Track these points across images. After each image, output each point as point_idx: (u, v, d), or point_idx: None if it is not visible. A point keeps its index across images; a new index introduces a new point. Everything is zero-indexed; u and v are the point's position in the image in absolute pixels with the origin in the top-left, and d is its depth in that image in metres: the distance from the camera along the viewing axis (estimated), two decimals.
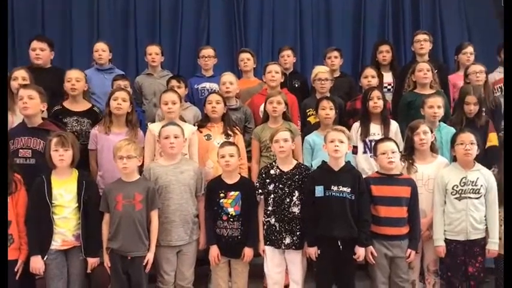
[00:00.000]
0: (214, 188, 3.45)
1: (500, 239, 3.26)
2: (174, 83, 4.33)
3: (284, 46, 4.96)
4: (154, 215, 3.27)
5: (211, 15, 5.83)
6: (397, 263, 3.29)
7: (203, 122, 3.93)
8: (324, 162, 3.37)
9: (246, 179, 3.61)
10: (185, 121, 3.97)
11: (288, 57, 4.84)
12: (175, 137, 3.40)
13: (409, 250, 3.28)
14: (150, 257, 3.23)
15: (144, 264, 3.21)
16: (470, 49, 4.66)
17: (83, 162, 3.55)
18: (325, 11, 5.99)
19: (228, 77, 4.24)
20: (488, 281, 3.47)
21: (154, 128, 3.70)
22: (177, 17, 5.82)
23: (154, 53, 4.79)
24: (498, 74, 4.64)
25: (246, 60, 4.70)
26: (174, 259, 3.39)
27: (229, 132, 3.83)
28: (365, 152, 3.90)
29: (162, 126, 3.50)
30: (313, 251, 3.25)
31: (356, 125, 4.00)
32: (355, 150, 3.94)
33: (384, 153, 3.32)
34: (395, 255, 3.28)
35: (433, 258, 3.45)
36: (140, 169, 3.41)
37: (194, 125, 3.91)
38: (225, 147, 3.44)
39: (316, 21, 5.97)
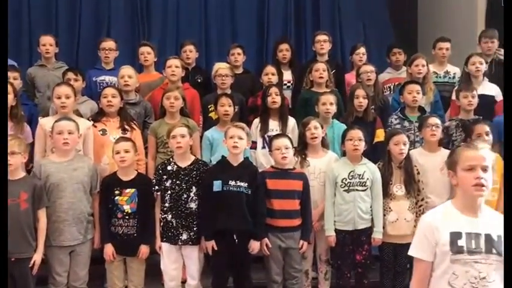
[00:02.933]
0: (109, 185, 3.38)
1: (383, 227, 3.50)
2: (70, 75, 4.15)
3: (186, 41, 4.94)
4: (42, 214, 3.13)
5: (112, 6, 5.66)
6: (291, 254, 3.42)
7: (98, 116, 3.81)
8: (223, 157, 3.42)
9: (143, 175, 3.56)
10: (82, 116, 3.83)
11: (191, 52, 4.81)
12: (69, 133, 3.28)
13: (301, 241, 3.42)
14: (37, 258, 3.09)
15: (30, 266, 3.05)
16: (362, 50, 4.91)
17: None
18: (229, 8, 6.04)
19: (126, 70, 4.14)
20: (374, 268, 3.70)
21: (45, 122, 3.54)
22: (75, 6, 5.57)
23: (48, 43, 4.55)
24: (387, 74, 4.96)
25: (147, 54, 4.62)
26: (66, 259, 3.27)
27: (126, 127, 3.74)
28: (264, 147, 3.98)
29: (55, 121, 3.35)
30: (210, 245, 3.28)
31: (256, 121, 4.09)
32: (254, 146, 4.04)
33: (278, 149, 3.42)
34: (289, 247, 3.40)
35: (325, 248, 3.62)
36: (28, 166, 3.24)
37: (88, 120, 3.77)
38: (120, 143, 3.38)
39: (220, 18, 6.00)
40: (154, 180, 3.42)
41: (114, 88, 3.89)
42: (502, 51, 4.78)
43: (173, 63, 4.25)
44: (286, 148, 3.42)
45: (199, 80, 4.75)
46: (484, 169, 1.87)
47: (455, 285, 1.87)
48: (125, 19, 5.74)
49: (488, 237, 1.88)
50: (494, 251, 1.87)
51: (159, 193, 3.39)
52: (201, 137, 3.93)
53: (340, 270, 3.54)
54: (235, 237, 3.26)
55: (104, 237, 3.34)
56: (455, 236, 1.88)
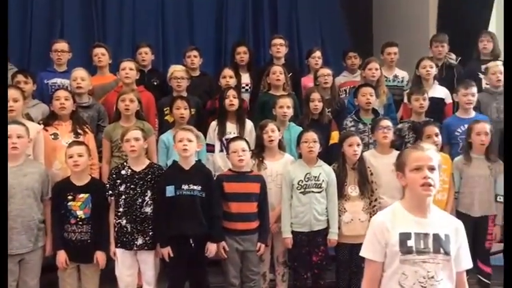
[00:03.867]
0: (62, 190, 3.29)
1: (339, 228, 3.55)
2: (20, 78, 4.01)
3: (142, 43, 4.87)
4: None
5: (65, 6, 5.50)
6: (248, 257, 3.42)
7: (49, 120, 3.70)
8: (174, 162, 3.39)
9: (97, 180, 3.49)
10: (32, 119, 3.71)
11: (146, 54, 4.76)
12: (19, 137, 3.18)
13: (259, 243, 3.43)
14: None
15: None
16: (318, 54, 4.98)
17: None
18: (187, 11, 6.00)
19: (79, 72, 4.05)
20: (330, 268, 3.75)
21: None
22: (26, 5, 5.39)
23: None
24: (343, 78, 5.05)
25: (101, 55, 4.52)
26: (15, 269, 3.16)
27: (79, 131, 3.65)
28: (221, 150, 3.98)
29: None
30: (165, 251, 3.25)
31: (213, 124, 4.08)
32: (212, 149, 4.02)
33: (235, 152, 3.43)
34: (246, 249, 3.40)
35: (282, 250, 3.64)
36: None
37: (39, 123, 3.66)
38: (73, 147, 3.30)
39: (178, 20, 5.95)
40: (108, 185, 3.35)
41: (66, 91, 3.80)
42: (452, 55, 4.96)
43: (127, 65, 4.19)
44: (243, 151, 3.42)
45: (155, 83, 4.70)
46: (431, 169, 1.92)
47: (405, 285, 1.91)
48: (78, 19, 5.59)
49: (436, 237, 1.93)
50: (441, 250, 1.92)
51: (113, 198, 3.33)
52: (157, 141, 3.87)
53: (297, 271, 3.57)
54: (191, 242, 3.23)
55: (56, 244, 3.25)
56: (404, 237, 1.92)
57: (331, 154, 3.86)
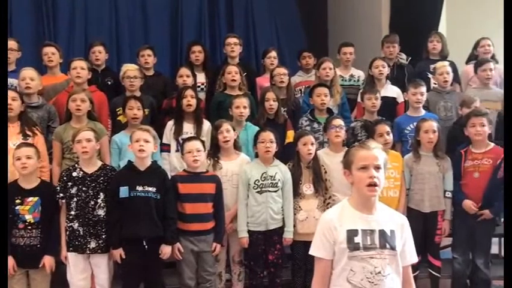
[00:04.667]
0: (9, 194, 3.14)
1: (294, 226, 3.59)
2: None
3: (95, 41, 4.76)
4: None
5: (14, 3, 5.29)
6: (204, 257, 3.41)
7: None
8: (129, 162, 3.34)
9: (46, 182, 3.39)
10: None
11: (100, 53, 4.66)
12: None
13: (214, 244, 3.43)
14: None
15: None
16: (273, 54, 5.00)
17: None
18: (141, 10, 5.91)
19: (28, 72, 3.92)
20: (287, 266, 3.79)
21: None
22: None
23: None
24: (298, 78, 5.10)
25: (51, 54, 4.39)
26: None
27: (28, 133, 3.54)
28: (178, 150, 3.94)
29: None
30: (117, 254, 3.20)
31: (170, 124, 4.04)
32: (168, 149, 3.98)
33: (189, 152, 3.40)
34: (201, 250, 3.39)
35: (238, 249, 3.64)
36: None
37: None
38: (21, 149, 3.20)
39: (132, 19, 5.86)
40: (58, 188, 3.26)
41: (14, 91, 3.67)
42: (402, 55, 5.11)
43: (78, 64, 4.09)
44: (198, 151, 3.40)
45: (109, 83, 4.61)
46: (377, 168, 1.97)
47: (353, 281, 1.94)
48: (28, 17, 5.42)
49: (382, 233, 1.98)
50: (387, 246, 1.97)
51: (64, 201, 3.25)
52: (110, 142, 3.80)
53: (253, 270, 3.58)
54: (144, 244, 3.19)
55: None
56: (351, 234, 1.96)
57: (287, 153, 3.88)
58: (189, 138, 3.56)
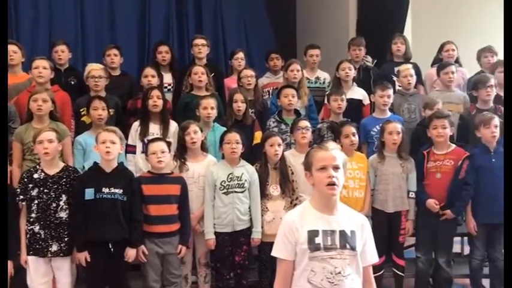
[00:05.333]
0: None
1: (262, 227, 3.59)
2: None
3: (58, 40, 4.66)
4: None
5: None
6: (169, 260, 3.37)
7: None
8: (95, 164, 3.28)
9: (7, 185, 3.28)
10: None
11: (63, 52, 4.57)
12: None
13: (180, 246, 3.40)
14: None
15: None
16: (241, 55, 5.00)
17: None
18: (108, 8, 5.83)
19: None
20: (254, 268, 3.78)
21: None
22: None
23: None
24: (266, 79, 5.11)
25: (12, 53, 4.26)
26: None
27: None
28: (143, 151, 3.88)
29: None
30: (82, 256, 3.14)
31: (136, 124, 3.99)
32: (134, 150, 3.93)
33: (154, 153, 3.37)
34: (166, 252, 3.36)
35: (204, 251, 3.62)
36: None
37: None
38: None
39: (99, 19, 5.77)
40: (19, 190, 3.18)
41: None
42: (368, 57, 5.18)
43: (40, 64, 4.00)
44: (162, 152, 3.37)
45: (72, 82, 4.52)
46: (335, 168, 1.99)
47: (314, 282, 1.96)
48: None
49: (342, 233, 2.00)
50: (348, 246, 1.99)
51: (24, 203, 3.17)
52: (73, 142, 3.73)
53: (220, 272, 3.56)
54: (110, 247, 3.14)
55: None
56: (312, 234, 1.97)
57: (254, 154, 3.89)
58: (154, 139, 3.53)
